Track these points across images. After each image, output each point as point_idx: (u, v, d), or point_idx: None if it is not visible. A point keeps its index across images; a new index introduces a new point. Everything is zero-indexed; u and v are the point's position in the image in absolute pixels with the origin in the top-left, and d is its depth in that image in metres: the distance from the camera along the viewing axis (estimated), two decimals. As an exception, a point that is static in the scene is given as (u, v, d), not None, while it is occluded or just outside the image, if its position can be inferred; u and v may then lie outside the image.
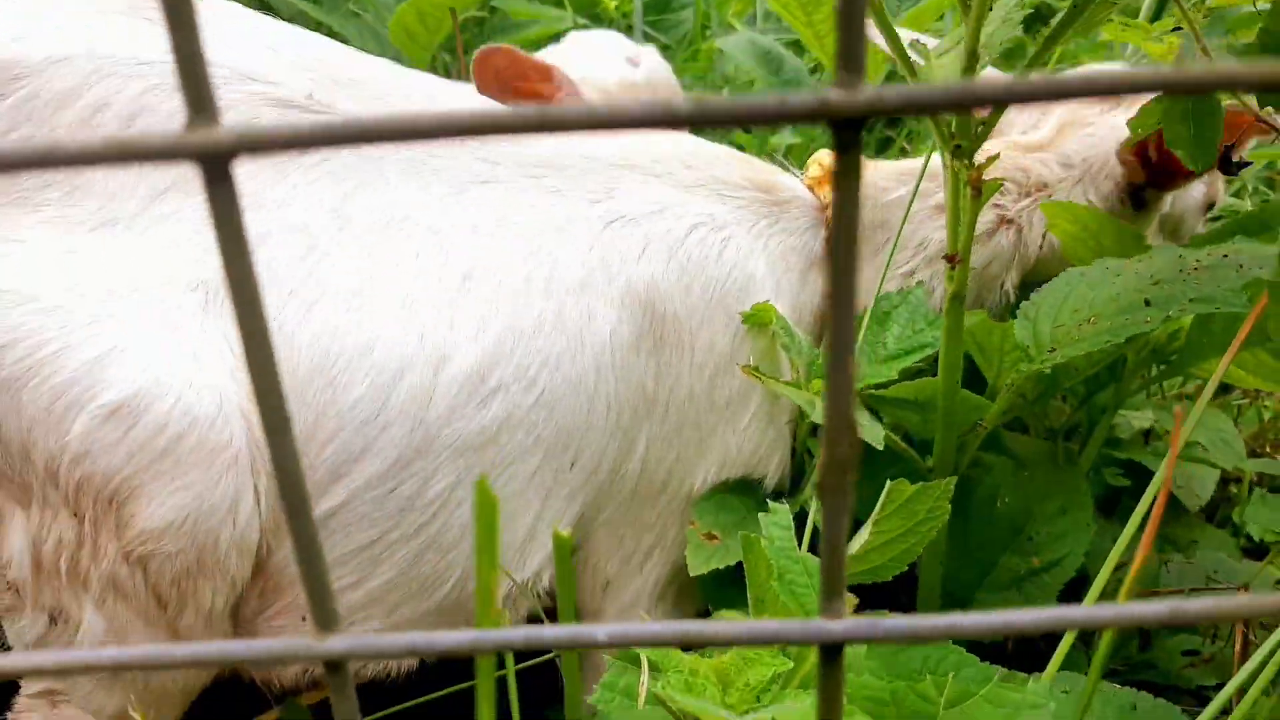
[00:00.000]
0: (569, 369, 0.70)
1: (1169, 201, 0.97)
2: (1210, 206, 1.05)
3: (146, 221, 0.60)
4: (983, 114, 0.69)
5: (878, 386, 0.76)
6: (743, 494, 0.83)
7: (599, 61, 1.15)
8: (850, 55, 0.20)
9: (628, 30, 1.68)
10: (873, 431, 0.65)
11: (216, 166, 0.20)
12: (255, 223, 0.63)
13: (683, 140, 0.86)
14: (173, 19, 0.20)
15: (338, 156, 0.66)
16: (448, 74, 1.46)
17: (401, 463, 0.64)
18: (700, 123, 0.20)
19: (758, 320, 0.78)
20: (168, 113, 0.62)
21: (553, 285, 0.70)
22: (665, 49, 1.83)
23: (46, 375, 0.55)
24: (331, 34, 1.56)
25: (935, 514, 0.61)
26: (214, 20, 0.68)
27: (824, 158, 0.91)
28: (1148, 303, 0.65)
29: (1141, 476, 0.98)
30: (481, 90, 1.01)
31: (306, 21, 1.62)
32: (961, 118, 0.64)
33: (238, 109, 0.63)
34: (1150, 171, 0.92)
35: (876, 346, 0.79)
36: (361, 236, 0.65)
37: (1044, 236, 0.92)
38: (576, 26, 1.52)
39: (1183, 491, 0.97)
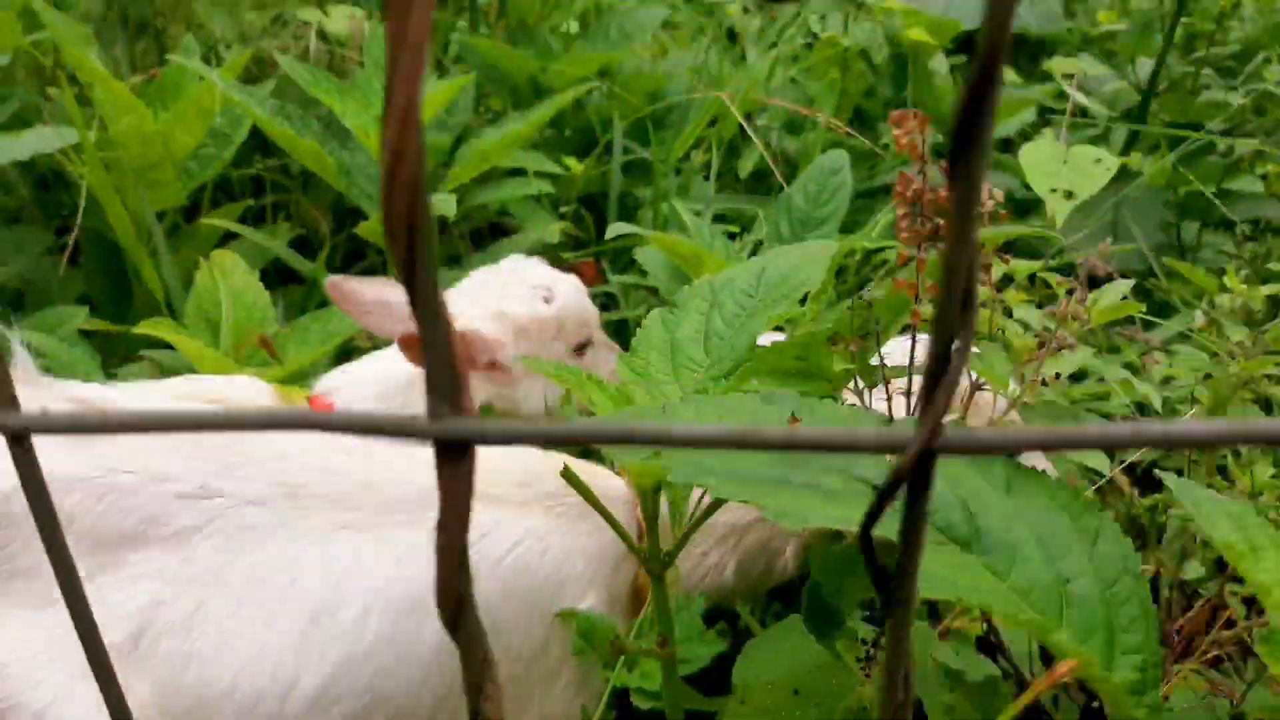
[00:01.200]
0: (399, 676, 0.93)
1: None
2: None
3: None
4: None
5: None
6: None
7: (516, 297, 1.32)
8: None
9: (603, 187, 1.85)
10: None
11: None
12: (160, 588, 0.87)
13: (523, 458, 1.07)
14: None
15: (228, 528, 0.90)
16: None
17: None
18: None
19: (568, 617, 1.00)
20: (96, 514, 0.86)
21: (388, 610, 0.92)
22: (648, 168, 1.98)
23: None
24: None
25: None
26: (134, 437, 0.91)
27: None
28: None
29: None
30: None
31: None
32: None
33: (149, 506, 0.88)
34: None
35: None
36: (235, 594, 0.88)
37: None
38: (541, 196, 1.70)
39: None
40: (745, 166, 2.00)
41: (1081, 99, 1.42)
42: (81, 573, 0.88)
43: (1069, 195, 1.27)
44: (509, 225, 1.85)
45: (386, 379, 1.31)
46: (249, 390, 1.23)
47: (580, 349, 1.37)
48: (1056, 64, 1.64)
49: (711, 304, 0.91)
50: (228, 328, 1.36)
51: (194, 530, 0.88)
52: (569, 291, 1.35)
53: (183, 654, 0.86)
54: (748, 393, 0.72)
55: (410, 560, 0.95)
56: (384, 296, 1.33)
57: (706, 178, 2.01)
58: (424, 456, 1.10)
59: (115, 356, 1.48)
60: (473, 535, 0.92)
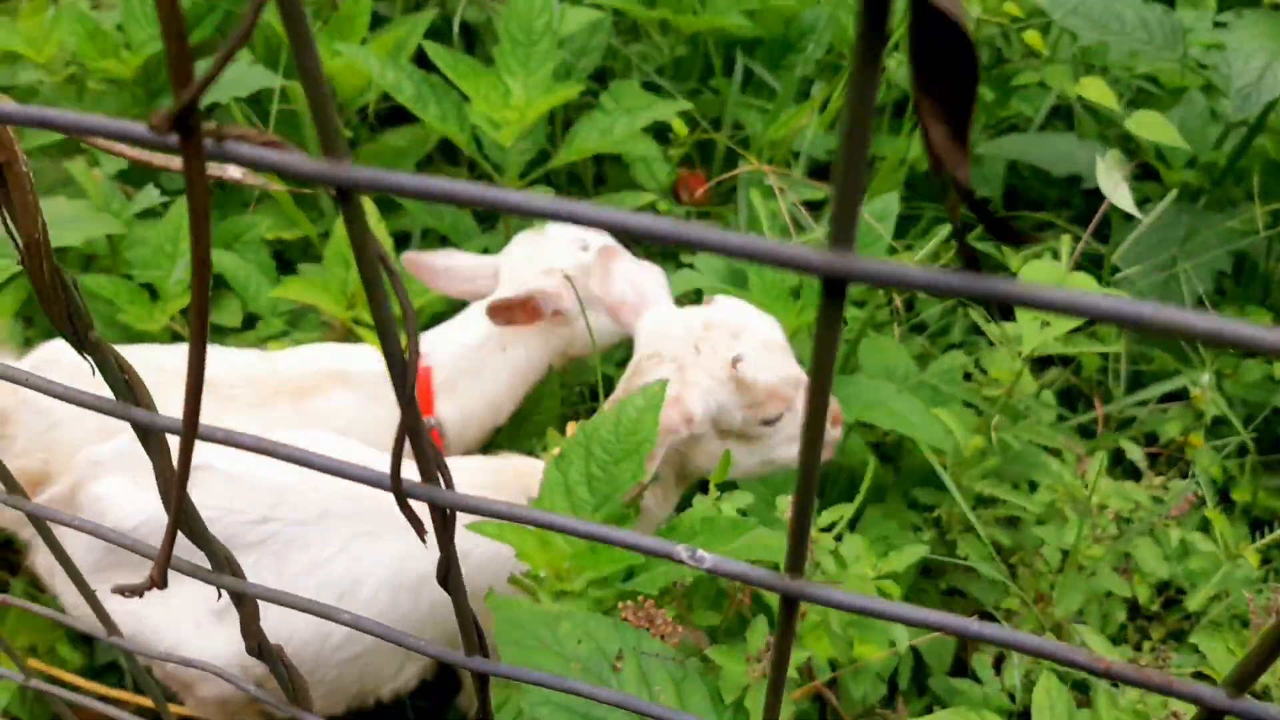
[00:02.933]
0: (404, 628, 1.38)
1: None
2: None
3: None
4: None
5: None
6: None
7: (558, 253, 1.60)
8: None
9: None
10: None
11: None
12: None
13: (504, 469, 1.41)
14: None
15: (280, 542, 1.32)
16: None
17: (309, 668, 1.37)
18: None
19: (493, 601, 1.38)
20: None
21: (391, 589, 1.30)
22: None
23: None
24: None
25: None
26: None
27: None
28: None
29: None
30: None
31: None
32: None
33: (227, 530, 1.29)
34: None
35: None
36: (288, 581, 1.30)
37: None
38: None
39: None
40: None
41: (1126, 203, 1.51)
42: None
43: (1045, 324, 1.45)
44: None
45: (465, 338, 1.65)
46: (365, 357, 1.63)
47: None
48: (1134, 124, 1.67)
49: (587, 452, 1.19)
50: (354, 271, 1.74)
51: (259, 544, 1.31)
52: (599, 239, 1.64)
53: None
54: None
55: (407, 560, 1.36)
56: (450, 264, 1.67)
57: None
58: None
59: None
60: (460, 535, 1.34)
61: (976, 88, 0.29)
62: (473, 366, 1.66)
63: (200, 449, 1.38)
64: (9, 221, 0.45)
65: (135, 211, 1.76)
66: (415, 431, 0.44)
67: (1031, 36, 1.90)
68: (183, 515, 0.52)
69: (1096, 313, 0.30)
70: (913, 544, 1.27)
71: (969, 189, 0.29)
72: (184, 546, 0.55)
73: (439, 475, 0.48)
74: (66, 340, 0.47)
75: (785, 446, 1.40)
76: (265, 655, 0.67)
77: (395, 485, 0.47)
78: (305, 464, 0.47)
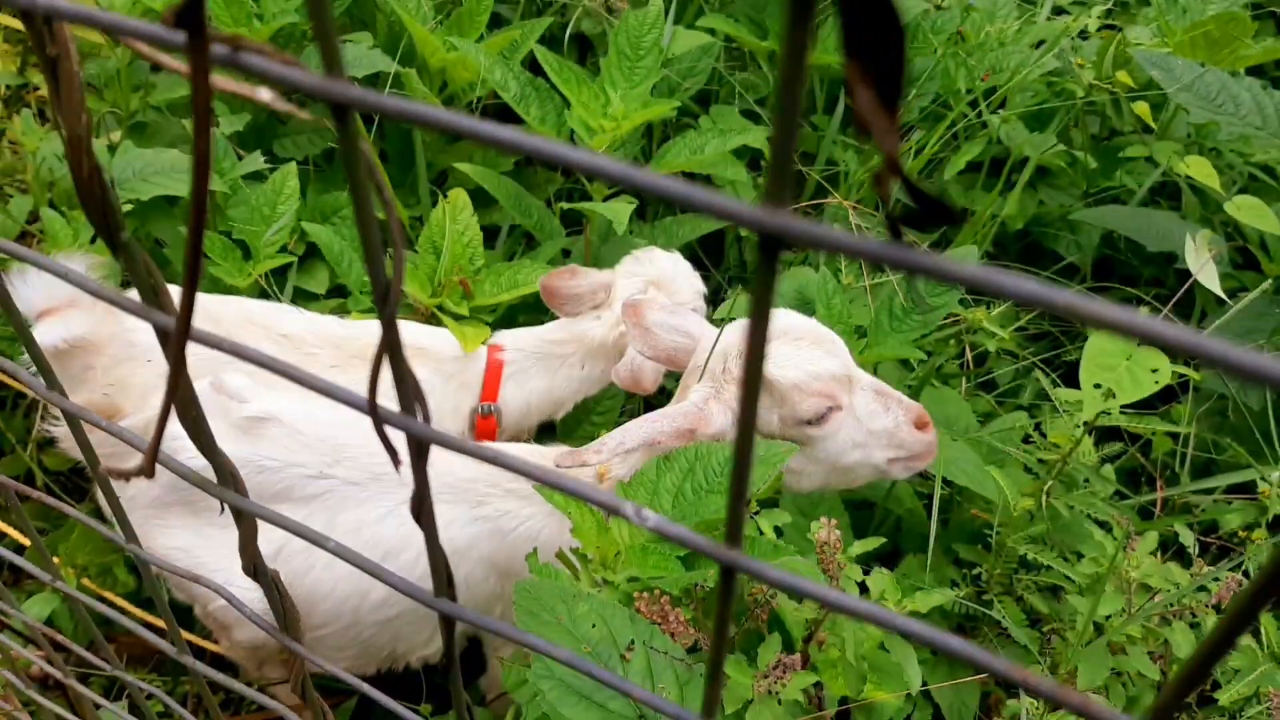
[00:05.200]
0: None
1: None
2: None
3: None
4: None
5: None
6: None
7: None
8: None
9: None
10: None
11: None
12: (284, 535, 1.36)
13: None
14: None
15: (335, 498, 1.37)
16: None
17: (347, 624, 1.42)
18: None
19: (534, 564, 1.40)
20: (255, 482, 1.35)
21: None
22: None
23: None
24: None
25: None
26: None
27: None
28: None
29: None
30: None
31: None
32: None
33: (286, 481, 1.34)
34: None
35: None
36: (337, 537, 1.36)
37: None
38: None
39: None
40: (958, 163, 2.09)
41: (1211, 282, 1.48)
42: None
43: (1109, 395, 1.41)
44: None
45: (548, 342, 1.74)
46: (446, 339, 1.69)
47: None
48: (1233, 208, 1.63)
49: (690, 468, 1.23)
50: (445, 260, 1.79)
51: (314, 497, 1.37)
52: (700, 299, 1.73)
53: (305, 566, 1.38)
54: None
55: (451, 527, 1.41)
56: (576, 290, 1.73)
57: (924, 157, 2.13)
58: (467, 458, 1.52)
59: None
60: (493, 514, 1.39)
61: (904, 53, 0.30)
62: (548, 369, 1.74)
63: (269, 403, 1.43)
64: (58, 116, 0.48)
65: (242, 173, 1.84)
66: (396, 352, 0.46)
67: (1140, 108, 1.87)
68: (192, 416, 0.55)
69: (1003, 292, 0.30)
70: (945, 592, 1.26)
71: (897, 160, 0.30)
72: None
73: (416, 408, 0.51)
74: (100, 236, 0.50)
75: (853, 453, 1.40)
76: (260, 576, 0.70)
77: (372, 410, 0.49)
78: (290, 377, 0.49)
